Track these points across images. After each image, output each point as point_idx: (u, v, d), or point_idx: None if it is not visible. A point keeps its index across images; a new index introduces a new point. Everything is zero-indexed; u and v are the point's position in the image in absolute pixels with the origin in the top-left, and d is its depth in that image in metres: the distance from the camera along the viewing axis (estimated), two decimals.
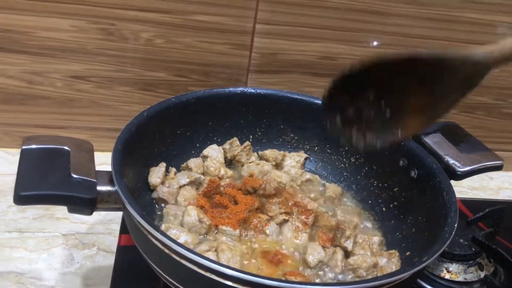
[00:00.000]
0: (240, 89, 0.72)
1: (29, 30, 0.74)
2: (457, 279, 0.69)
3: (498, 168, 0.63)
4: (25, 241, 0.68)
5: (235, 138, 0.71)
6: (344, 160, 0.73)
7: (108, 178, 0.50)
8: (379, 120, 0.54)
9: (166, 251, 0.45)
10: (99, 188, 0.49)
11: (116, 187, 0.49)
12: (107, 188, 0.49)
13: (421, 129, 0.60)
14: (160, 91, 0.83)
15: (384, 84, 0.52)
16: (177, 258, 0.44)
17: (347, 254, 0.59)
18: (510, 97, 0.93)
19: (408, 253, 0.59)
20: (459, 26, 0.83)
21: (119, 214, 0.57)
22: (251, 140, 0.73)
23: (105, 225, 0.73)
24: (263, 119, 0.73)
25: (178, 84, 0.82)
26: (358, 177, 0.72)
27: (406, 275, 0.45)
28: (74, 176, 0.47)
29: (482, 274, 0.70)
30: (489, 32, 0.84)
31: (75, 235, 0.70)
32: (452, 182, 0.60)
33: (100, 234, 0.71)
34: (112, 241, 0.70)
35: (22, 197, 0.44)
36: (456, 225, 0.52)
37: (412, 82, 0.52)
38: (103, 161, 0.63)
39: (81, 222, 0.72)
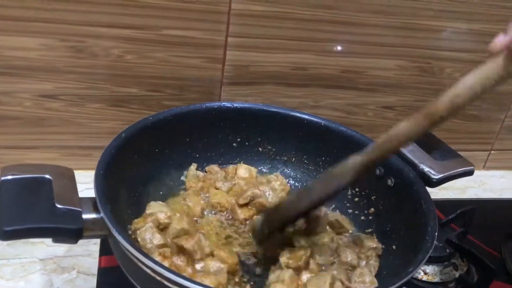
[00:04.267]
0: (216, 104, 0.72)
1: None
2: (433, 280, 0.71)
3: (470, 173, 0.66)
4: (0, 269, 0.66)
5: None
6: (321, 170, 0.75)
7: (93, 204, 0.49)
8: None
9: (158, 278, 0.44)
10: (84, 216, 0.48)
11: (101, 214, 0.48)
12: (92, 215, 0.48)
13: None
14: (133, 107, 0.81)
15: None
16: (169, 285, 0.44)
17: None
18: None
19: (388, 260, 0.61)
20: (422, 34, 0.86)
21: None
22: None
23: (84, 246, 0.71)
24: (241, 133, 0.74)
25: (151, 99, 0.82)
26: None
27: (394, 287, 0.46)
28: (59, 206, 0.46)
29: (457, 274, 0.72)
30: (450, 38, 0.88)
31: (53, 259, 0.68)
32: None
33: (79, 256, 0.70)
34: (92, 263, 0.68)
35: (7, 232, 0.43)
36: (436, 234, 0.53)
37: None
38: (77, 179, 0.61)
39: (58, 245, 0.70)
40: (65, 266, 0.68)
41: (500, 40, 0.47)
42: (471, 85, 0.48)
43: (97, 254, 0.69)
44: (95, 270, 0.67)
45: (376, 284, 0.58)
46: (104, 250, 0.68)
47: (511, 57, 0.46)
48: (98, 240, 0.70)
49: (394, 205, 0.65)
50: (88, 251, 0.71)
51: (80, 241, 0.70)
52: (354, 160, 0.55)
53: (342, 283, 0.56)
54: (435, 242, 0.71)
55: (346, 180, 0.56)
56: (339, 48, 0.84)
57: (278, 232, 0.62)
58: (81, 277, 0.67)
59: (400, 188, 0.64)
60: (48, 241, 0.69)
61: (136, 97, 0.81)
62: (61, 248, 0.70)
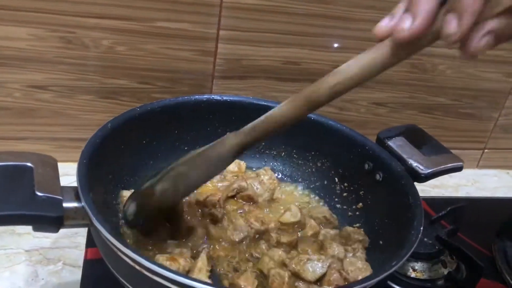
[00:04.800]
0: (205, 96, 0.71)
1: None
2: (422, 277, 0.71)
3: (458, 169, 0.65)
4: None
5: None
6: (311, 164, 0.74)
7: (74, 193, 0.49)
8: None
9: (137, 267, 0.44)
10: (65, 205, 0.47)
11: (82, 203, 0.48)
12: (74, 204, 0.48)
13: None
14: (124, 99, 0.81)
15: None
16: (149, 275, 0.44)
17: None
18: (465, 97, 0.96)
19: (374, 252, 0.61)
20: None
21: None
22: None
23: (71, 238, 0.71)
24: (230, 126, 0.72)
25: (142, 92, 0.81)
26: (325, 181, 0.73)
27: (375, 280, 0.46)
28: (39, 194, 0.46)
29: (446, 271, 0.72)
30: None
31: (39, 250, 0.68)
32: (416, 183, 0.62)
33: (66, 248, 0.69)
34: (78, 255, 0.68)
35: None
36: (421, 228, 0.53)
37: None
38: (66, 171, 0.61)
39: (44, 236, 0.70)
40: (51, 257, 0.67)
41: (385, 24, 0.43)
42: (353, 74, 0.45)
43: (83, 246, 0.68)
44: (81, 262, 0.66)
45: (370, 269, 0.58)
46: (91, 241, 0.68)
47: (398, 43, 0.42)
48: (85, 232, 0.70)
49: (382, 200, 0.64)
50: (75, 243, 0.70)
51: (67, 233, 0.71)
52: (230, 143, 0.52)
53: (340, 273, 0.56)
54: (425, 239, 0.72)
55: (222, 165, 0.53)
56: (331, 43, 0.84)
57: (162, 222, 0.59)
58: (67, 269, 0.66)
59: (388, 182, 0.64)
60: (35, 232, 0.70)
61: (127, 89, 0.81)
62: (48, 240, 0.70)
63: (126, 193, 0.63)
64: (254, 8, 0.78)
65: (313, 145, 0.73)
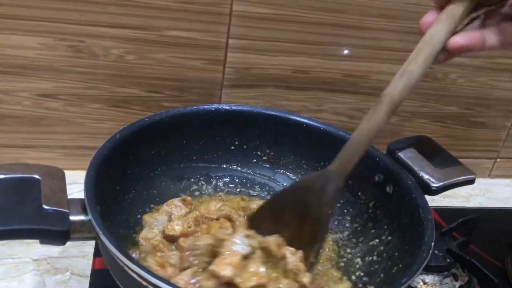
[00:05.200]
0: (214, 106, 0.71)
1: None
2: None
3: (471, 182, 0.64)
4: None
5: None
6: None
7: (81, 206, 0.49)
8: None
9: (144, 283, 0.44)
10: (72, 218, 0.47)
11: (89, 216, 0.47)
12: (80, 217, 0.48)
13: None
14: (133, 108, 0.81)
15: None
16: None
17: None
18: (478, 106, 0.95)
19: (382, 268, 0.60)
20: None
21: None
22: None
23: (79, 247, 0.71)
24: (239, 136, 0.73)
25: (151, 100, 0.81)
26: None
27: None
28: (46, 207, 0.45)
29: (457, 284, 0.71)
30: None
31: (47, 259, 0.68)
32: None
33: (74, 257, 0.69)
34: (86, 264, 0.68)
35: None
36: (433, 244, 0.52)
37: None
38: (74, 179, 0.61)
39: (53, 246, 0.70)
40: (59, 267, 0.67)
41: (431, 18, 0.46)
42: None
43: (92, 256, 0.68)
44: (89, 271, 0.66)
45: None
46: (99, 251, 0.67)
47: None
48: (93, 241, 0.70)
49: (392, 213, 0.63)
50: (83, 253, 0.70)
51: (76, 242, 0.71)
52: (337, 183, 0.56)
53: None
54: (435, 251, 0.71)
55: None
56: (342, 52, 0.83)
57: None
58: (75, 278, 0.66)
59: (398, 195, 0.62)
60: None
61: (136, 98, 0.80)
62: (56, 249, 0.70)
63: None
64: (264, 17, 0.77)
65: (322, 155, 0.72)
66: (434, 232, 0.54)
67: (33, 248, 0.69)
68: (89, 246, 0.71)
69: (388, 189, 0.65)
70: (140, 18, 0.74)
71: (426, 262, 0.50)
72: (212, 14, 0.76)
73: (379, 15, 0.81)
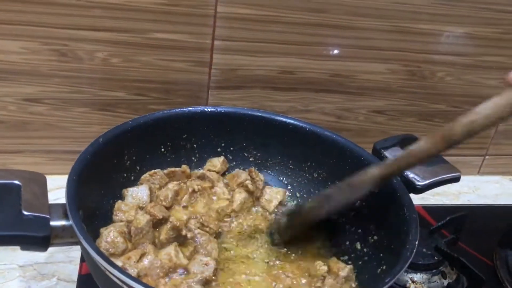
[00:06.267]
0: (199, 108, 0.71)
1: None
2: None
3: (456, 180, 0.64)
4: None
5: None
6: (307, 175, 0.73)
7: (63, 211, 0.48)
8: None
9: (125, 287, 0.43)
10: (52, 223, 0.47)
11: (71, 221, 0.47)
12: (62, 222, 0.47)
13: None
14: (119, 111, 0.81)
15: None
16: None
17: None
18: (466, 104, 0.95)
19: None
20: (413, 37, 0.85)
21: None
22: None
23: (65, 253, 0.70)
24: (225, 137, 0.73)
25: (138, 103, 0.81)
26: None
27: None
28: (25, 213, 0.45)
29: (446, 282, 0.71)
30: (441, 42, 0.86)
31: (33, 265, 0.68)
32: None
33: (60, 263, 0.69)
34: (73, 269, 0.67)
35: None
36: (416, 243, 0.52)
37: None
38: (61, 184, 0.60)
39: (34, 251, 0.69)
40: (45, 272, 0.67)
41: None
42: (487, 114, 0.50)
43: (78, 261, 0.68)
44: (75, 277, 0.66)
45: None
46: None
47: None
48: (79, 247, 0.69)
49: (378, 212, 0.63)
50: (70, 258, 0.70)
51: (62, 247, 0.70)
52: (373, 173, 0.57)
53: None
54: (424, 249, 0.71)
55: (363, 191, 0.58)
56: (328, 51, 0.83)
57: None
58: (61, 284, 0.66)
59: (384, 194, 0.62)
60: None
61: (122, 101, 0.80)
62: (42, 255, 0.69)
63: (120, 204, 0.61)
64: (249, 18, 0.77)
65: (309, 156, 0.72)
66: (418, 231, 0.54)
67: (18, 254, 0.69)
68: (75, 251, 0.70)
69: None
70: (124, 20, 0.73)
71: (410, 261, 0.50)
72: (197, 16, 0.75)
73: (365, 14, 0.81)
